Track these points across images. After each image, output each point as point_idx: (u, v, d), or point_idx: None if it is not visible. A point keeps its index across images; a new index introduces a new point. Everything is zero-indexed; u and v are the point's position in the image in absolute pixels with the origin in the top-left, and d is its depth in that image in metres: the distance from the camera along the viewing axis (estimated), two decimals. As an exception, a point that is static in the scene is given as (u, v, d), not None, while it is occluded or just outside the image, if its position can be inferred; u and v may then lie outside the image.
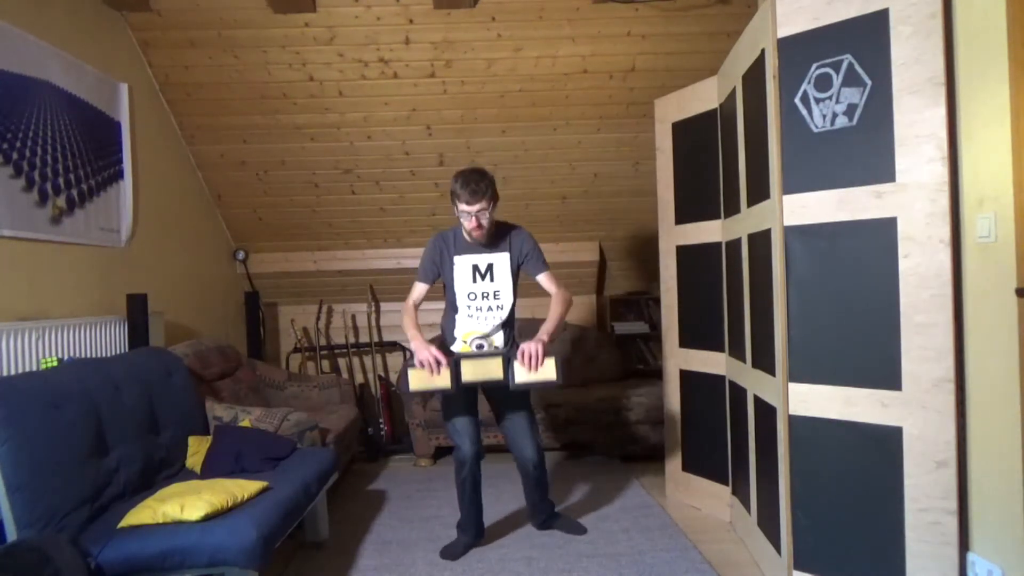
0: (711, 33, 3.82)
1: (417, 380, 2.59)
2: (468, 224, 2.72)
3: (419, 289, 2.86)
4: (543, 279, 2.86)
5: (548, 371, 2.57)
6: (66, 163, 3.04)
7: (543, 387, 2.64)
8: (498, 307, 2.84)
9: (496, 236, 2.84)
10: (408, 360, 2.60)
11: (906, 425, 2.21)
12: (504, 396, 2.86)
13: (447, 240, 2.86)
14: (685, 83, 3.45)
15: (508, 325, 2.89)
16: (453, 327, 2.90)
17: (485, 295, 2.82)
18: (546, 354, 2.58)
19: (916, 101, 2.18)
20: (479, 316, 2.84)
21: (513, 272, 2.85)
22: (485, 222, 2.71)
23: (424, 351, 2.58)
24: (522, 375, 2.58)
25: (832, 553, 2.33)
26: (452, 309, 2.90)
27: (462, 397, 2.79)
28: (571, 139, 4.41)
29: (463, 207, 2.67)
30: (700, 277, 3.30)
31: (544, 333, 2.64)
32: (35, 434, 2.08)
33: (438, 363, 2.56)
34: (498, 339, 2.87)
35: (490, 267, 2.82)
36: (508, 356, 2.63)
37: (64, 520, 2.09)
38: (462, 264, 2.83)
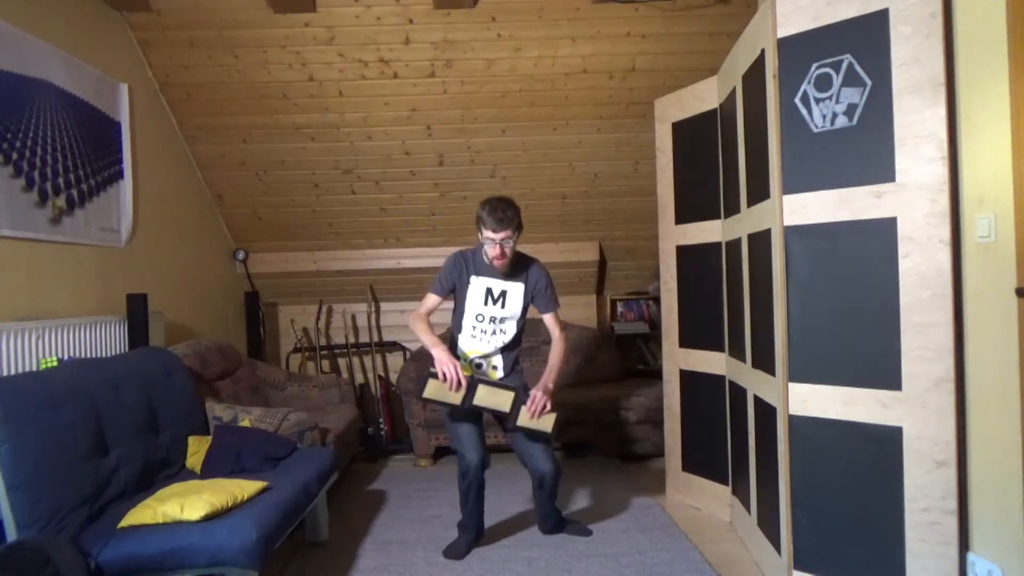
0: (711, 33, 3.82)
1: (434, 390, 2.70)
2: (492, 251, 2.78)
3: (431, 300, 2.89)
4: (549, 319, 2.96)
5: (547, 423, 2.73)
6: (66, 163, 3.04)
7: (537, 434, 2.78)
8: (501, 332, 2.90)
9: (515, 265, 2.89)
10: (430, 369, 2.71)
11: (906, 425, 2.21)
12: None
13: (467, 259, 2.92)
14: (685, 83, 3.44)
15: (509, 350, 2.95)
16: (458, 341, 2.96)
17: (492, 319, 2.88)
18: (552, 409, 2.73)
19: (916, 101, 2.18)
20: (482, 338, 2.90)
21: (525, 303, 2.91)
22: (508, 251, 2.77)
23: (449, 365, 2.67)
24: (524, 419, 2.72)
25: (832, 553, 2.33)
26: (458, 327, 2.95)
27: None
28: (571, 139, 4.41)
29: (488, 234, 2.74)
30: (700, 277, 3.30)
31: (550, 382, 2.80)
32: (35, 434, 2.08)
33: (459, 383, 2.66)
34: (497, 361, 2.93)
35: (503, 294, 2.88)
36: (519, 397, 2.74)
37: (64, 520, 2.09)
38: (477, 285, 2.88)
